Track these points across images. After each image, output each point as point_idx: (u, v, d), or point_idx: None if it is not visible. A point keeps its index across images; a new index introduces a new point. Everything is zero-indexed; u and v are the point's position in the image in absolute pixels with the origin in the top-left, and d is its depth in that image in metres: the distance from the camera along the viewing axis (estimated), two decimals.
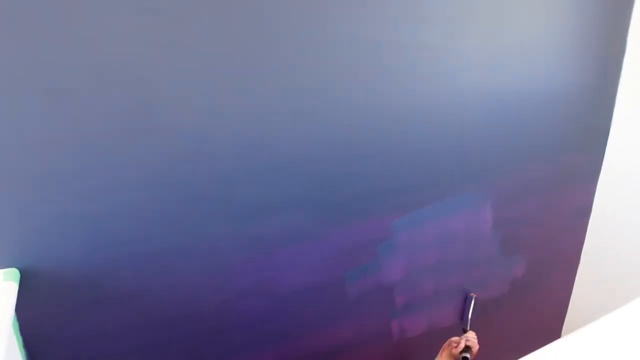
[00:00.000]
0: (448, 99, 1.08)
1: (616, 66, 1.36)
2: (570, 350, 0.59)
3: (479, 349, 1.20)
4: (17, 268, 0.75)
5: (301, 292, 1.07)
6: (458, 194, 1.21)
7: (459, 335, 1.19)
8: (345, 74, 0.93)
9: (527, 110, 1.22)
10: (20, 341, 0.78)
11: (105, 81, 0.73)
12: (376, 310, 1.21)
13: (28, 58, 0.67)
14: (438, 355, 1.18)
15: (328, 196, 1.01)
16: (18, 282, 0.73)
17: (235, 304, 0.99)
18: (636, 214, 1.44)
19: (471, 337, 1.16)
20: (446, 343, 1.17)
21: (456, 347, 1.13)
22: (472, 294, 1.37)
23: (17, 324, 0.78)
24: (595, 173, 1.50)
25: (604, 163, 1.48)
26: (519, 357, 0.58)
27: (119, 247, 0.83)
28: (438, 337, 1.39)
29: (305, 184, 0.97)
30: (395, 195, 1.10)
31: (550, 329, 1.69)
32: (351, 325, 1.19)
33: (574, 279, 1.67)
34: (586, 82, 1.31)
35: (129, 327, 0.89)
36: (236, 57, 0.81)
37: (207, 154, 0.85)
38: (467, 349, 1.13)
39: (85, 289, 0.83)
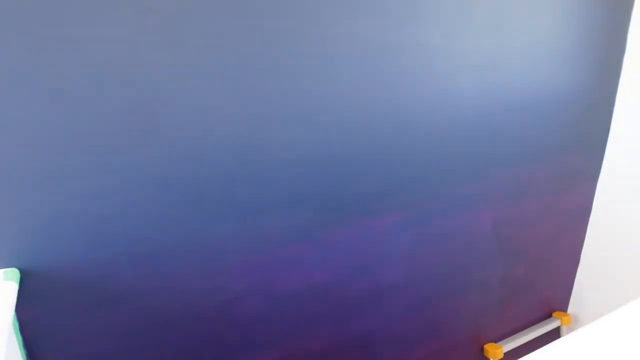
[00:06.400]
0: (448, 99, 1.08)
1: (616, 66, 1.36)
2: (570, 350, 0.59)
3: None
4: (17, 268, 0.75)
5: (301, 292, 1.07)
6: (458, 194, 1.21)
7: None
8: (345, 74, 0.93)
9: (526, 110, 1.22)
10: (20, 341, 0.78)
11: (105, 81, 0.73)
12: (376, 310, 1.21)
13: (28, 58, 0.67)
14: None
15: (328, 196, 1.01)
16: (18, 282, 0.73)
17: (235, 304, 0.99)
18: (636, 214, 1.44)
19: None
20: None
21: None
22: None
23: (17, 324, 0.78)
24: (595, 173, 1.50)
25: (603, 163, 1.48)
26: (519, 357, 0.58)
27: (118, 247, 0.83)
28: (437, 338, 1.40)
29: (305, 184, 0.97)
30: (395, 195, 1.10)
31: (550, 329, 1.69)
32: (351, 326, 1.19)
33: (574, 279, 1.67)
34: (586, 82, 1.31)
35: (128, 327, 0.89)
36: (237, 57, 0.81)
37: (207, 154, 0.85)
38: None
39: (85, 288, 0.83)
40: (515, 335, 1.58)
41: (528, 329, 1.61)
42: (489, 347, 1.47)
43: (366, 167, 1.03)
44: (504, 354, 1.49)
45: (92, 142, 0.75)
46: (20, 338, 0.79)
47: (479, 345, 1.50)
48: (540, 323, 1.65)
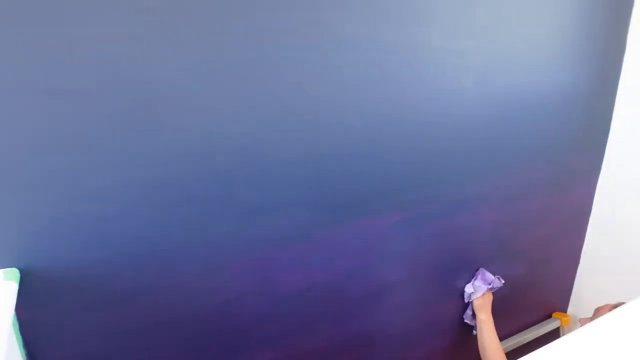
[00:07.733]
0: (447, 99, 1.08)
1: (616, 66, 1.36)
2: (570, 350, 0.59)
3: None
4: (17, 268, 0.75)
5: (301, 292, 1.07)
6: (458, 193, 1.21)
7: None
8: (345, 74, 0.93)
9: (526, 110, 1.22)
10: (20, 341, 0.78)
11: (105, 81, 0.73)
12: (376, 310, 1.21)
13: (28, 58, 0.67)
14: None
15: (328, 196, 1.01)
16: (18, 282, 0.73)
17: (235, 304, 0.99)
18: (636, 214, 1.44)
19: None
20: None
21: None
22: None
23: (17, 324, 0.78)
24: (595, 173, 1.50)
25: (603, 163, 1.49)
26: (519, 357, 0.58)
27: (119, 247, 0.83)
28: (438, 338, 1.40)
29: (305, 184, 0.97)
30: (395, 195, 1.10)
31: (550, 329, 1.69)
32: (351, 326, 1.19)
33: (574, 279, 1.67)
34: (586, 82, 1.31)
35: (128, 327, 0.89)
36: (235, 57, 0.81)
37: (207, 154, 0.85)
38: None
39: (86, 288, 0.83)
40: (515, 336, 1.58)
41: (528, 329, 1.61)
42: None
43: (366, 167, 1.03)
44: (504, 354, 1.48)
45: (92, 142, 0.75)
46: (20, 338, 0.78)
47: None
48: (540, 323, 1.65)
